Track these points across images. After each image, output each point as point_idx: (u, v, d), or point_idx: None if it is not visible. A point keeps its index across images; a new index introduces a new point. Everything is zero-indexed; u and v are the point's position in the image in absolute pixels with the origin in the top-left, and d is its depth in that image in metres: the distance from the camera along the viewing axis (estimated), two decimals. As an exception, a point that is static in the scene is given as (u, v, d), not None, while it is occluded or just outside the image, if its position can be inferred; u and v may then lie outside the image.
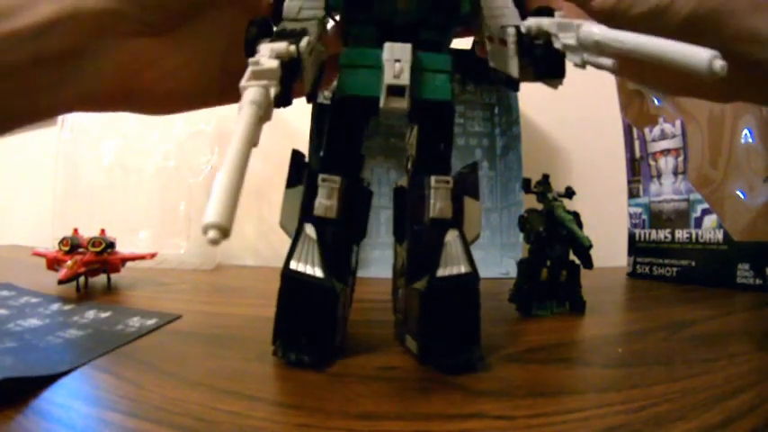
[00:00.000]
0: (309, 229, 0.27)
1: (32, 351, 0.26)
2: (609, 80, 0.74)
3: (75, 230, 0.52)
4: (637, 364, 0.27)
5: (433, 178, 0.27)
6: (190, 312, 0.39)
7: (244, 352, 0.29)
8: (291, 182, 0.29)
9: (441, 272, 0.26)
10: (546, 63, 0.24)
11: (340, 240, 0.27)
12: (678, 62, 0.16)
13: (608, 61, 0.20)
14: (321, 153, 0.28)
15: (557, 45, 0.23)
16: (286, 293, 0.26)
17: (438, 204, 0.27)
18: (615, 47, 0.19)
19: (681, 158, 0.65)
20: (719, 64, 0.16)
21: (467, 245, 0.27)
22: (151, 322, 0.34)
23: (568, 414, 0.20)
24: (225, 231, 0.13)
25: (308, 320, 0.26)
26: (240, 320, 0.39)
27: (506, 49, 0.25)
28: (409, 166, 0.30)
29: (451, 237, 0.27)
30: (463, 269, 0.26)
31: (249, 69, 0.19)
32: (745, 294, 0.53)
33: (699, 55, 0.16)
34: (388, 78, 0.26)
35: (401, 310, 0.30)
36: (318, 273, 0.26)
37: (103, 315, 0.36)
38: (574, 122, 0.90)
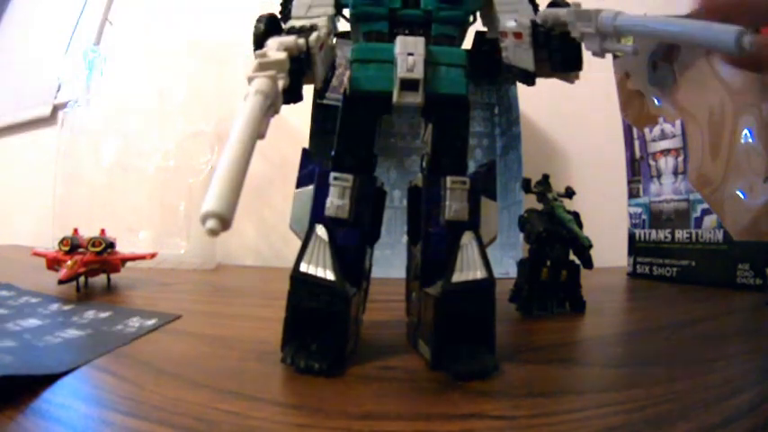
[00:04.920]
0: (320, 231, 0.26)
1: (31, 351, 0.26)
2: (609, 80, 0.74)
3: (75, 230, 0.52)
4: (637, 364, 0.27)
5: (448, 179, 0.26)
6: (190, 312, 0.39)
7: (244, 352, 0.29)
8: (301, 182, 0.28)
9: (456, 277, 0.25)
10: (563, 55, 0.23)
11: (352, 242, 0.26)
12: (705, 41, 0.16)
13: (628, 47, 0.20)
14: (332, 152, 0.27)
15: (574, 34, 0.22)
16: (295, 297, 0.25)
17: (454, 206, 0.26)
18: (637, 31, 0.19)
19: (681, 158, 0.65)
20: (747, 39, 0.15)
21: (483, 248, 0.26)
22: (151, 322, 0.34)
23: (568, 414, 0.20)
24: (225, 221, 0.12)
25: (318, 326, 0.25)
26: (240, 320, 0.39)
27: (521, 42, 0.25)
28: (424, 164, 0.29)
29: (467, 239, 0.26)
30: (479, 274, 0.25)
31: (256, 61, 0.19)
32: (745, 294, 0.53)
33: (726, 33, 0.16)
34: (401, 72, 0.25)
35: (414, 314, 0.29)
36: (330, 276, 0.25)
37: (103, 315, 0.36)
38: (574, 122, 0.90)
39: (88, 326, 0.33)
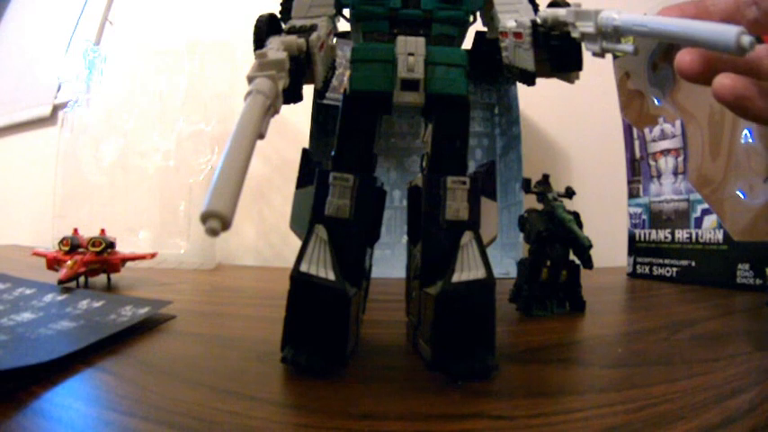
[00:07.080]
0: (321, 230, 0.26)
1: (23, 343, 0.26)
2: (609, 80, 0.74)
3: (75, 230, 0.52)
4: (637, 364, 0.27)
5: (449, 179, 0.26)
6: (189, 312, 0.39)
7: (244, 352, 0.29)
8: (302, 182, 0.28)
9: (456, 276, 0.25)
10: (563, 55, 0.23)
11: (352, 241, 0.26)
12: (704, 41, 0.16)
13: (628, 46, 0.20)
14: (332, 152, 0.27)
15: (574, 34, 0.22)
16: (295, 297, 0.25)
17: (454, 206, 0.26)
18: (637, 30, 0.19)
19: (681, 158, 0.65)
20: (747, 39, 0.15)
21: (483, 248, 0.26)
22: (143, 311, 0.34)
23: (568, 414, 0.20)
24: (225, 221, 0.12)
25: (318, 326, 0.25)
26: (240, 320, 0.39)
27: (521, 42, 0.25)
28: (424, 164, 0.29)
29: (467, 239, 0.26)
30: (479, 274, 0.25)
31: (256, 61, 0.19)
32: (745, 294, 0.53)
33: (725, 32, 0.15)
34: (401, 72, 0.25)
35: (414, 314, 0.29)
36: (330, 275, 0.25)
37: (96, 305, 0.35)
38: (574, 122, 0.91)
39: (81, 317, 0.32)
